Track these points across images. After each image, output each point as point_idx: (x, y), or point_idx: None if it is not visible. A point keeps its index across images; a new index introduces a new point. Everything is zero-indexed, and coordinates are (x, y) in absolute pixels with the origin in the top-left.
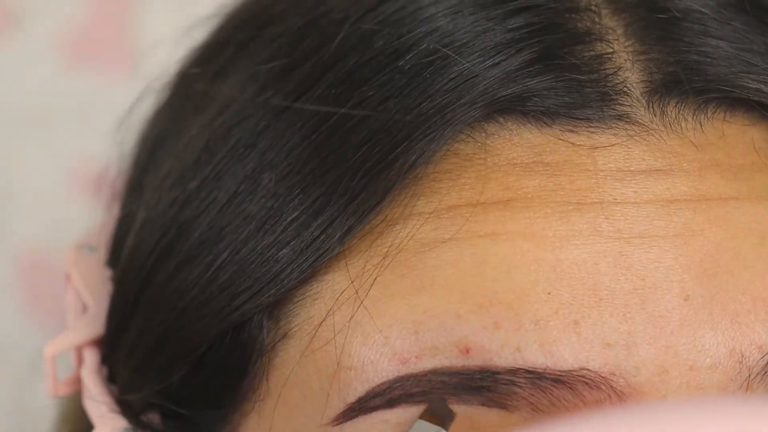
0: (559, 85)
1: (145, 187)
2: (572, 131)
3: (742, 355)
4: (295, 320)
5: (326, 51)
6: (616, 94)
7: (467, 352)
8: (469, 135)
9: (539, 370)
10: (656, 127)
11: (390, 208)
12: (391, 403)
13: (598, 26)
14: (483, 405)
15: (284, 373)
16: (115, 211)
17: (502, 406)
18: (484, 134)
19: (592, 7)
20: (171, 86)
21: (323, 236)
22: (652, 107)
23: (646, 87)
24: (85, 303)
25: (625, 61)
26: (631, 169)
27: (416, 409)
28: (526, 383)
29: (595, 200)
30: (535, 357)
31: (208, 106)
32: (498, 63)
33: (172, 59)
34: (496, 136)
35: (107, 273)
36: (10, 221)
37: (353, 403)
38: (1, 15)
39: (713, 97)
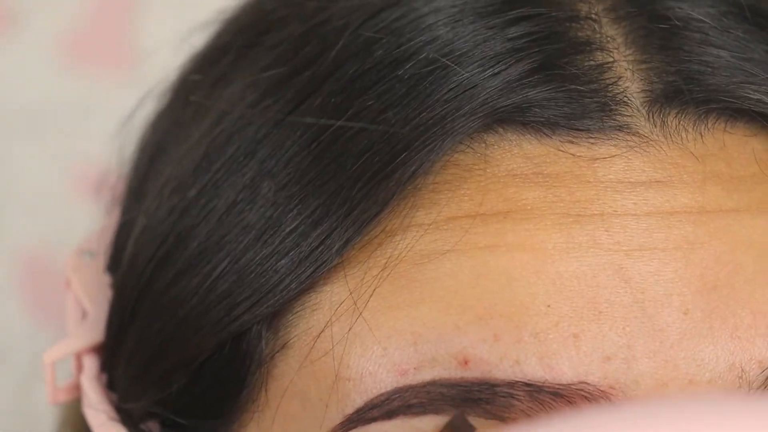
0: (559, 96)
1: (145, 194)
2: (572, 142)
3: (742, 370)
4: (294, 331)
5: (326, 59)
6: (616, 104)
7: (466, 363)
8: (468, 146)
9: (538, 384)
10: (656, 138)
11: (389, 219)
12: (389, 415)
13: (598, 35)
14: (481, 417)
15: (283, 383)
16: (115, 215)
17: (500, 419)
18: (483, 145)
19: (593, 16)
20: (171, 92)
21: (322, 247)
22: (653, 117)
23: (647, 97)
24: (85, 309)
25: (626, 71)
26: (631, 180)
27: (415, 421)
28: (524, 396)
29: (595, 212)
30: (534, 370)
31: (208, 113)
32: (498, 73)
33: (173, 61)
34: (495, 147)
35: (107, 279)
36: (10, 223)
37: (351, 415)
38: (1, 15)
39: (714, 107)
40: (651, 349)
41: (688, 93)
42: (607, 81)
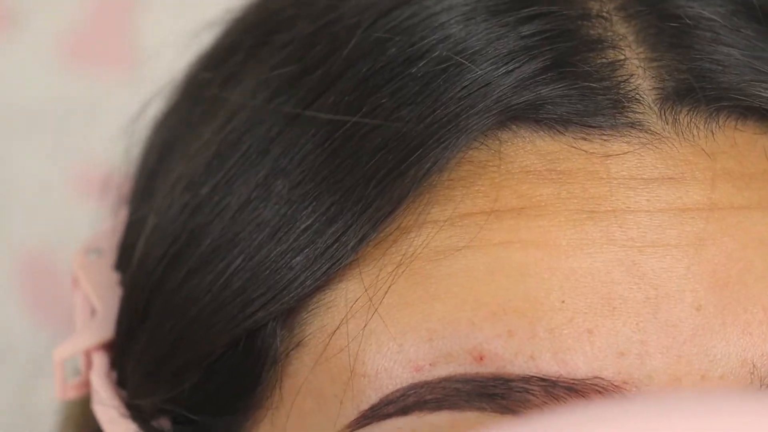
0: (572, 93)
1: (154, 192)
2: (585, 139)
3: (754, 366)
4: (309, 328)
5: (338, 57)
6: (628, 101)
7: (481, 359)
8: (482, 142)
9: (553, 378)
10: (668, 135)
11: (404, 215)
12: (404, 411)
13: (609, 33)
14: (496, 412)
15: (298, 381)
16: (123, 215)
17: (515, 413)
18: (497, 142)
19: (604, 14)
20: (179, 90)
21: (337, 244)
22: (665, 115)
23: (659, 94)
24: (94, 307)
25: (637, 68)
26: (644, 177)
27: (430, 417)
28: (539, 391)
29: (608, 208)
30: (548, 365)
31: (219, 112)
32: (511, 71)
33: (174, 61)
34: (509, 144)
35: (115, 277)
36: (11, 222)
37: (366, 411)
38: (2, 15)
39: (725, 105)
40: (664, 345)
41: (700, 91)
42: (619, 78)
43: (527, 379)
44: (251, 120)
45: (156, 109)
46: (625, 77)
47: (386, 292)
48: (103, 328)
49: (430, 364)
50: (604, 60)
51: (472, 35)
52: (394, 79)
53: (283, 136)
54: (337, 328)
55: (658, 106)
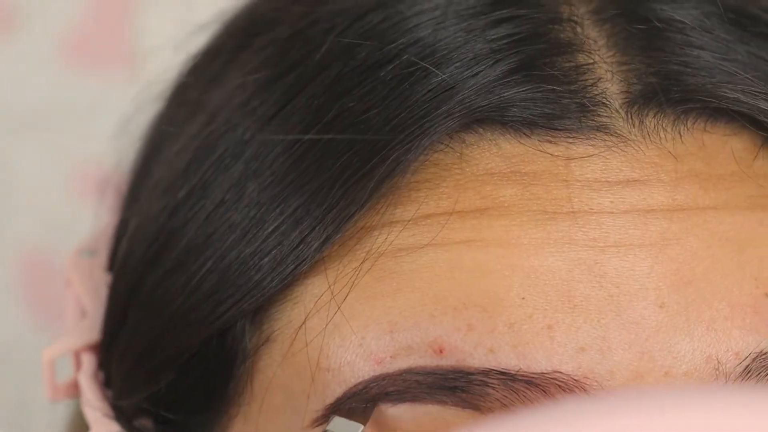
0: (538, 96)
1: (140, 195)
2: (551, 142)
3: (719, 362)
4: (277, 324)
5: (311, 62)
6: (594, 105)
7: (441, 352)
8: (447, 145)
9: (512, 372)
10: (634, 138)
11: (368, 216)
12: (367, 403)
13: (579, 37)
14: (457, 405)
15: (267, 376)
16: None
17: (476, 407)
18: (462, 144)
19: (575, 18)
20: (169, 93)
21: (302, 245)
22: (631, 118)
23: (626, 98)
24: (84, 308)
25: (606, 72)
26: (609, 179)
27: (393, 409)
28: (498, 384)
29: (570, 210)
30: (508, 359)
31: (200, 115)
32: (476, 74)
33: (173, 62)
34: (474, 146)
35: (106, 278)
36: (10, 222)
37: (332, 404)
38: (2, 15)
39: (692, 107)
40: (626, 341)
41: (666, 93)
42: (587, 82)
43: (486, 372)
44: (227, 123)
45: (151, 109)
46: (592, 81)
47: (351, 289)
48: (93, 329)
49: (391, 357)
50: (571, 63)
51: (441, 39)
52: (363, 83)
53: (255, 140)
54: (303, 323)
55: (625, 109)
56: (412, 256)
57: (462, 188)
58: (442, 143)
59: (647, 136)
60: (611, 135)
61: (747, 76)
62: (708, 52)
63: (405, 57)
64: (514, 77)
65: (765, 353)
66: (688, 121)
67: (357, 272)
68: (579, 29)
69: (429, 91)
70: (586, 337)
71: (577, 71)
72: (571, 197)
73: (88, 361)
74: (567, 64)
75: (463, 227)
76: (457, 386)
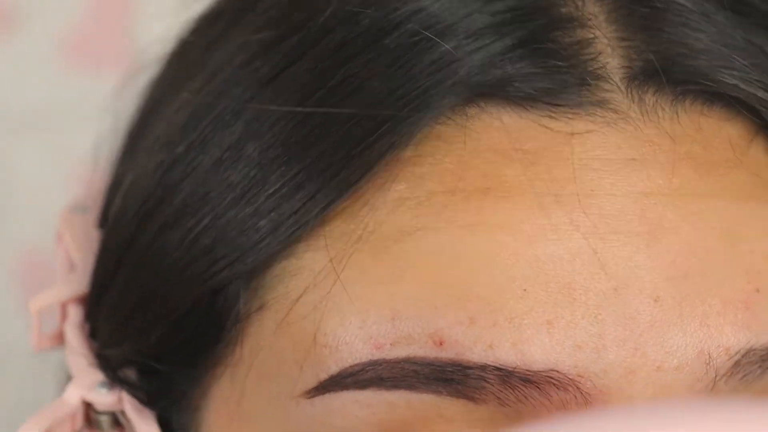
0: (539, 71)
1: (137, 151)
2: (551, 116)
3: (710, 357)
4: (273, 293)
5: (314, 25)
6: (595, 79)
7: (441, 344)
8: (450, 118)
9: (509, 369)
10: (633, 115)
11: (370, 189)
12: (362, 385)
13: (580, 12)
14: (452, 396)
15: (258, 341)
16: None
17: (471, 399)
18: (464, 117)
19: None
20: (168, 55)
21: (303, 210)
22: (631, 93)
23: (626, 73)
24: (74, 262)
25: (606, 47)
26: (608, 157)
27: (387, 394)
28: (495, 379)
29: (572, 191)
30: (506, 355)
31: (200, 74)
32: (480, 47)
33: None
34: (476, 120)
35: (97, 234)
36: (10, 221)
37: (325, 380)
38: (2, 15)
39: (691, 89)
40: (620, 338)
41: (667, 72)
42: (587, 56)
43: (484, 368)
44: (228, 82)
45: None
46: (593, 55)
47: (348, 260)
48: (81, 282)
49: (391, 344)
50: (573, 38)
51: (444, 9)
52: (367, 49)
53: (257, 100)
54: (301, 295)
55: (625, 84)
56: (415, 240)
57: (465, 165)
58: (444, 116)
59: (646, 114)
60: (610, 111)
61: (745, 63)
62: (707, 36)
63: (410, 26)
64: (517, 51)
65: (754, 350)
66: (686, 102)
67: (357, 243)
68: (580, 4)
69: (433, 62)
70: (583, 334)
71: (578, 45)
72: (573, 178)
73: (75, 312)
74: (568, 39)
75: (466, 209)
76: (454, 379)
